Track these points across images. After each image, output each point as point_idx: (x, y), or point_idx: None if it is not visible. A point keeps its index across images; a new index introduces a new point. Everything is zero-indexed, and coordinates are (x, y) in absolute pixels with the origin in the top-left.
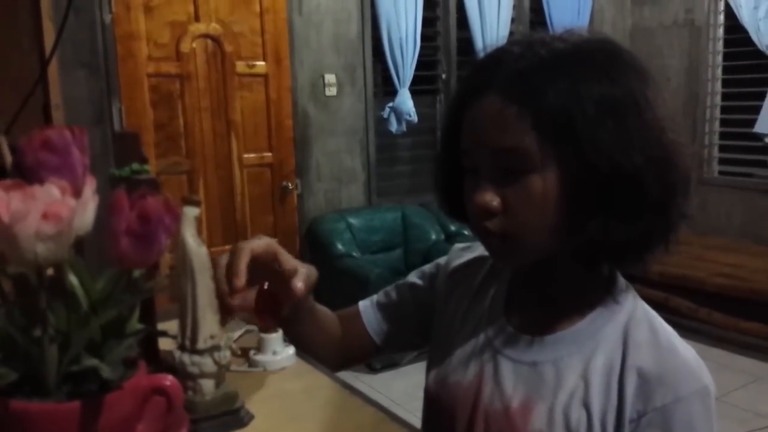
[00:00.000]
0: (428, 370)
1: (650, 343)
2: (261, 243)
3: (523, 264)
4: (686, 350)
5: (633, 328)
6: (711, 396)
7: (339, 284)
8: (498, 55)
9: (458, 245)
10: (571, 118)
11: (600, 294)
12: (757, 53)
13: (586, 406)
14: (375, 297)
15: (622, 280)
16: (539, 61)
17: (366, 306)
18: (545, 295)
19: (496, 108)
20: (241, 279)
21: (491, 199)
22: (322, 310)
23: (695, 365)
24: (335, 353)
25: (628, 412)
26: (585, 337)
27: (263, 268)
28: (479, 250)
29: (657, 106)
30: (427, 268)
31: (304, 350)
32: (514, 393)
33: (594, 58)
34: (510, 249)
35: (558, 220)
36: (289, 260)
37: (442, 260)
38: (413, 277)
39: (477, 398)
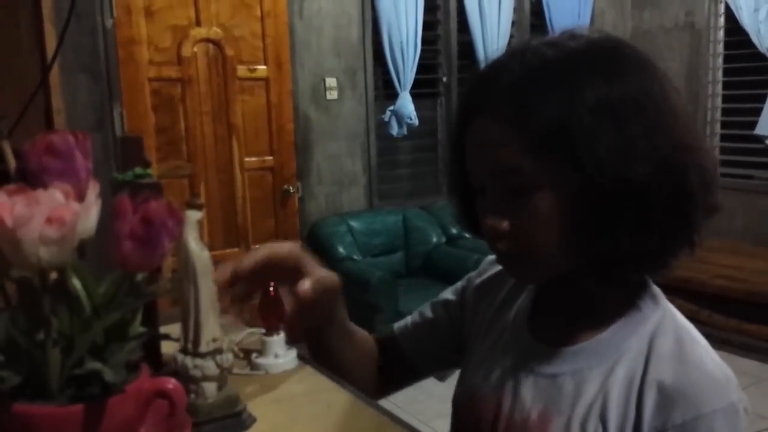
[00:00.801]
0: (457, 382)
1: (674, 356)
2: (284, 246)
3: (540, 281)
4: (715, 365)
5: (658, 339)
6: (739, 414)
7: None
8: (491, 70)
9: (489, 257)
10: (566, 131)
11: (625, 304)
12: (758, 56)
13: (603, 421)
14: (409, 318)
15: (653, 289)
16: (529, 73)
17: (401, 327)
18: (567, 306)
19: (489, 129)
20: (226, 275)
21: (499, 221)
22: (358, 329)
23: (723, 381)
24: (371, 376)
25: (646, 428)
26: (606, 349)
27: (281, 271)
28: None
29: (666, 101)
30: (459, 282)
31: (338, 372)
32: (533, 405)
33: (589, 61)
34: (523, 268)
35: (568, 237)
36: (311, 265)
37: (473, 273)
38: (446, 294)
39: (498, 410)
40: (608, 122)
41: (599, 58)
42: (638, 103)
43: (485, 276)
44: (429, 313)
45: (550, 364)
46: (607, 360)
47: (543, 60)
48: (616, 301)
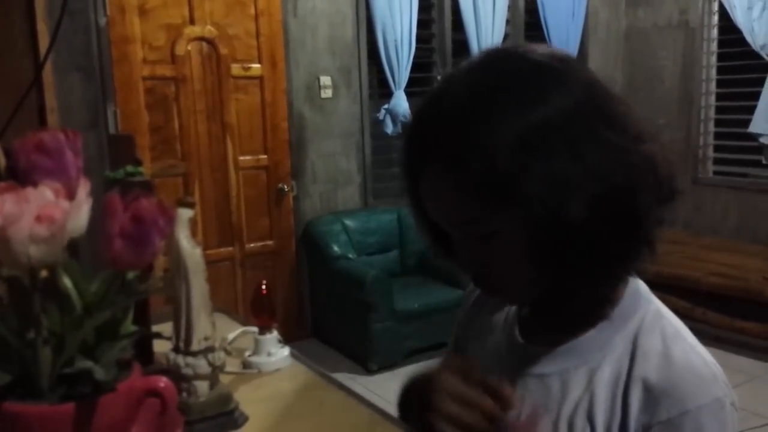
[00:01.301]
0: None
1: (659, 353)
2: (461, 365)
3: (521, 304)
4: (701, 361)
5: (642, 337)
6: (725, 409)
7: (335, 286)
8: (418, 124)
9: None
10: (496, 175)
11: (610, 303)
12: (751, 54)
13: (590, 419)
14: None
15: (639, 286)
16: (448, 124)
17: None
18: (553, 308)
19: (435, 186)
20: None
21: (470, 264)
22: None
23: (708, 377)
24: None
25: (633, 425)
26: (592, 348)
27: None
28: None
29: (601, 114)
30: (465, 292)
31: None
32: (523, 405)
33: (501, 93)
34: (502, 296)
35: (533, 271)
36: (495, 382)
37: (471, 285)
38: (457, 314)
39: None
40: (532, 157)
41: (513, 88)
42: (564, 126)
43: (471, 303)
44: (454, 330)
45: (538, 364)
46: (593, 359)
47: (459, 105)
48: (600, 301)
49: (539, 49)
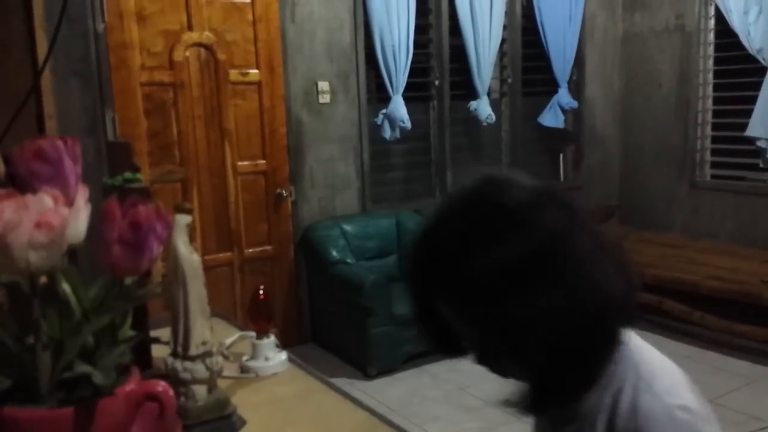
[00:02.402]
0: None
1: (629, 407)
2: None
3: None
4: (661, 408)
5: (621, 394)
6: (686, 423)
7: (334, 291)
8: (418, 257)
9: None
10: (469, 316)
11: (606, 361)
12: (748, 57)
13: None
14: None
15: (628, 339)
16: (426, 278)
17: None
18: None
19: (443, 309)
20: None
21: (483, 365)
22: None
23: (666, 422)
24: None
25: None
26: (590, 408)
27: None
28: None
29: (562, 269)
30: None
31: None
32: None
33: (461, 239)
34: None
35: (519, 373)
36: None
37: None
38: None
39: None
40: (481, 306)
41: (470, 231)
42: (516, 270)
43: None
44: None
45: (565, 423)
46: (592, 416)
47: (444, 250)
48: (585, 383)
49: (516, 189)
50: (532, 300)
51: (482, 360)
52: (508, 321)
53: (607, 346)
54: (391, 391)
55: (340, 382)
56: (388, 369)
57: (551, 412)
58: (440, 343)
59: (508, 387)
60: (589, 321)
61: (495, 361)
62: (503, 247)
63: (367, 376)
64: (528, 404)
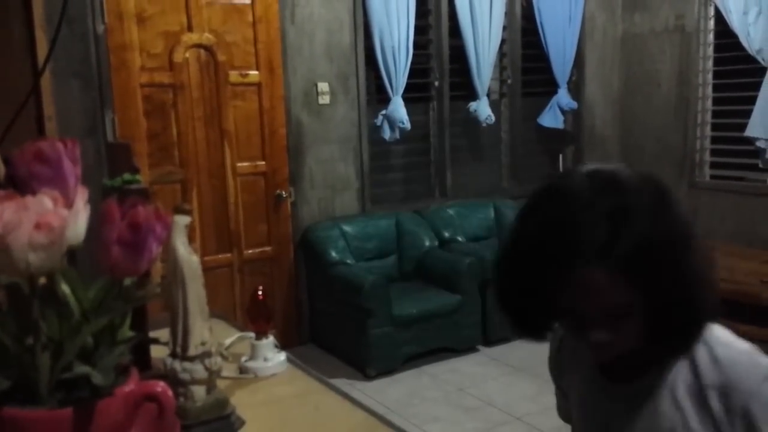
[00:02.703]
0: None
1: (709, 362)
2: None
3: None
4: (737, 351)
5: (695, 355)
6: (764, 364)
7: (333, 292)
8: (571, 221)
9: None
10: (642, 272)
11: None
12: (747, 58)
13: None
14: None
15: None
16: (614, 225)
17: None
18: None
19: (601, 281)
20: None
21: (603, 338)
22: None
23: (747, 359)
24: None
25: (725, 423)
26: (669, 378)
27: None
28: None
29: (694, 233)
30: (551, 373)
31: None
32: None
33: (649, 203)
34: (609, 358)
35: (641, 342)
36: None
37: (551, 351)
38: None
39: None
40: (668, 258)
41: (656, 202)
42: (683, 239)
43: (557, 347)
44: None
45: (623, 398)
46: (672, 383)
47: (617, 206)
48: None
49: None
50: (694, 256)
51: (602, 337)
52: (680, 273)
53: (713, 316)
54: (390, 392)
55: (340, 382)
56: (387, 370)
57: (636, 384)
58: (535, 323)
59: (507, 388)
60: (712, 286)
61: (622, 334)
62: (676, 211)
63: (367, 377)
64: (628, 368)
